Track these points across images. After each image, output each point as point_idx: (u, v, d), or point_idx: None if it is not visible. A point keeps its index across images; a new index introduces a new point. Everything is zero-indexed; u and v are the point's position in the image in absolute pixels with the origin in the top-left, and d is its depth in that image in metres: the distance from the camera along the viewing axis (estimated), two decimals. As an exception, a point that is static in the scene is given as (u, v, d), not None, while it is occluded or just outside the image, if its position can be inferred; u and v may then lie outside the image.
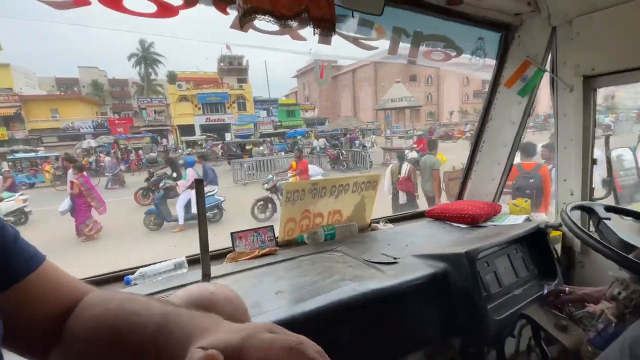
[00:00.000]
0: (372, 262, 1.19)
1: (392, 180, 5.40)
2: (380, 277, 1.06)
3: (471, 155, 1.84)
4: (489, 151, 1.75)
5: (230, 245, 1.25)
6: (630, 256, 0.80)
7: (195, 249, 0.99)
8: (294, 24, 0.87)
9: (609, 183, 1.44)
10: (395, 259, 1.21)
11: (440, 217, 1.72)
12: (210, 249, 0.97)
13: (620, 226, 1.00)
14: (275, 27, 0.97)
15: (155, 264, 1.08)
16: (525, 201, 1.63)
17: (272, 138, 25.03)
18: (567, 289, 1.10)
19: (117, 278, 1.07)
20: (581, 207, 0.97)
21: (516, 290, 1.20)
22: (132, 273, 1.06)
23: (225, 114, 28.97)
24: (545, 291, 1.18)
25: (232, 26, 0.88)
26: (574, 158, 1.45)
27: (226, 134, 27.10)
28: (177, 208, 6.17)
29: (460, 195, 1.95)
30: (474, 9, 1.37)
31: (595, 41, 1.32)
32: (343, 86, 40.67)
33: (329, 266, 1.16)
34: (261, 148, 19.46)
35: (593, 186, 1.48)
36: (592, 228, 1.51)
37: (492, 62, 1.66)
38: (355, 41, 1.25)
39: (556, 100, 1.47)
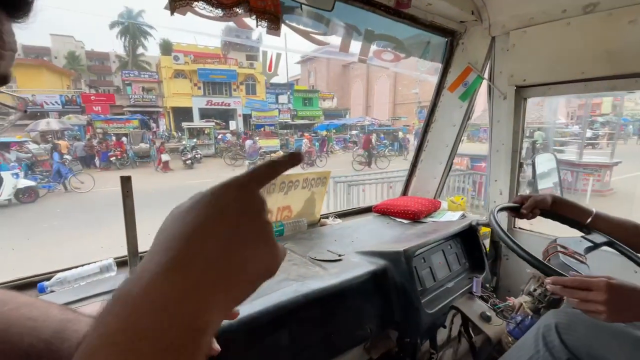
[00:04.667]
0: (317, 259, 1.20)
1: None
2: (323, 275, 1.06)
3: (416, 154, 1.93)
4: (432, 151, 1.85)
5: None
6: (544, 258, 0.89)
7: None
8: (238, 11, 0.81)
9: (533, 184, 1.59)
10: (340, 256, 1.23)
11: (386, 212, 1.79)
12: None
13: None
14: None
15: (76, 267, 0.97)
16: (462, 198, 1.75)
17: (293, 130, 21.29)
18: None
19: (29, 285, 0.94)
20: (507, 209, 1.06)
21: (449, 283, 1.29)
22: (48, 279, 0.94)
23: (231, 97, 23.21)
24: (474, 284, 1.29)
25: (166, 7, 0.80)
26: (504, 161, 1.58)
27: (231, 122, 22.27)
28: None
29: (405, 191, 2.04)
30: (423, 12, 1.41)
31: (528, 54, 1.43)
32: (355, 76, 34.81)
33: (274, 265, 1.14)
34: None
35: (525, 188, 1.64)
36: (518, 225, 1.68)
37: (439, 65, 1.73)
38: (306, 35, 1.22)
39: (492, 107, 1.59)
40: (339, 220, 1.73)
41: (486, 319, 1.15)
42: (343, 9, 1.26)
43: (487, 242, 1.55)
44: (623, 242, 0.93)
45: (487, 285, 1.38)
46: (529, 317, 0.98)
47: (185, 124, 18.12)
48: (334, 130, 20.98)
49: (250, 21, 0.96)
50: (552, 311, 0.90)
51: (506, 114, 1.54)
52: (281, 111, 23.96)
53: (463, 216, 1.68)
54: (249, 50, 26.64)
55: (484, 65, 1.58)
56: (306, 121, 24.04)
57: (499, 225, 0.92)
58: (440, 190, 1.92)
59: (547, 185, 1.64)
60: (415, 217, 1.68)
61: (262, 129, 21.38)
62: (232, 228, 0.24)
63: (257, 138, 16.86)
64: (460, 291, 1.25)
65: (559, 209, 1.04)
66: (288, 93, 25.41)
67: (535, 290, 0.97)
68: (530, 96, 1.51)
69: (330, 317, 1.02)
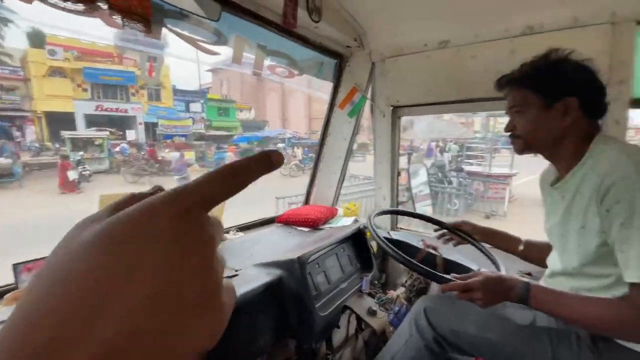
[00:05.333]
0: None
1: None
2: None
3: (315, 166, 2.04)
4: (328, 162, 1.98)
5: (13, 281, 0.95)
6: (416, 259, 1.04)
7: None
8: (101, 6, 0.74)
9: (410, 190, 1.86)
10: (236, 271, 1.20)
11: (289, 222, 1.83)
12: None
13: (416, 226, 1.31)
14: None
15: None
16: (354, 205, 1.92)
17: (210, 141, 18.87)
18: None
19: None
20: (383, 213, 1.21)
21: (342, 284, 1.39)
22: None
23: (129, 103, 19.88)
24: (364, 282, 1.42)
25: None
26: (385, 171, 1.81)
27: (128, 131, 18.95)
28: None
29: (307, 200, 2.13)
30: (312, 34, 1.52)
31: (400, 79, 1.68)
32: (270, 89, 33.28)
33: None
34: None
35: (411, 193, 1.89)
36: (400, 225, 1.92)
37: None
38: (193, 42, 1.18)
39: (374, 124, 1.80)
40: (240, 234, 1.70)
41: (372, 313, 1.27)
42: (234, 21, 1.27)
43: (374, 244, 1.73)
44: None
45: (376, 282, 1.54)
46: (404, 306, 1.13)
47: (66, 133, 14.48)
48: (256, 143, 20.07)
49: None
50: (422, 298, 1.05)
51: (386, 130, 1.77)
52: (195, 121, 21.80)
53: (356, 221, 1.84)
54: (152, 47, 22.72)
55: (367, 87, 1.79)
56: (223, 132, 22.62)
57: (374, 230, 1.04)
58: (336, 198, 2.06)
59: (420, 190, 1.94)
60: (314, 225, 1.76)
61: (172, 139, 19.01)
62: (157, 286, 0.16)
63: (167, 150, 15.03)
64: (352, 290, 1.36)
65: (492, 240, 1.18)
66: (201, 101, 23.37)
67: (406, 282, 1.12)
68: (404, 115, 1.78)
69: (225, 335, 0.98)
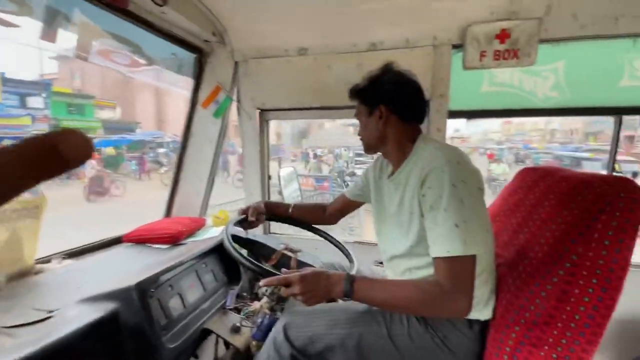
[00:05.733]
0: (5, 327, 0.83)
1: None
2: (10, 348, 0.73)
3: (177, 171, 1.80)
4: (193, 167, 1.78)
5: None
6: (271, 260, 0.99)
7: None
8: None
9: (282, 193, 1.84)
10: (50, 312, 0.91)
11: (141, 240, 1.54)
12: None
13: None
14: None
15: None
16: (224, 212, 1.78)
17: None
18: None
19: None
20: (239, 222, 1.13)
21: (204, 304, 1.24)
22: None
23: None
24: (228, 297, 1.30)
25: None
26: (255, 176, 1.74)
27: None
28: None
29: (168, 213, 1.86)
30: (160, 20, 1.32)
31: (265, 82, 1.63)
32: (142, 85, 27.33)
33: None
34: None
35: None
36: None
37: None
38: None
39: (242, 126, 1.71)
40: (69, 262, 1.33)
41: (236, 330, 1.17)
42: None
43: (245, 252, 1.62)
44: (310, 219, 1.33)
45: (245, 294, 1.44)
46: (267, 316, 1.07)
47: None
48: (125, 148, 16.70)
49: None
50: (286, 311, 1.00)
51: (254, 133, 1.70)
52: (35, 119, 15.96)
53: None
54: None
55: (232, 87, 1.68)
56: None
57: (227, 238, 0.94)
58: (205, 207, 1.87)
59: (291, 193, 1.95)
60: (174, 240, 1.53)
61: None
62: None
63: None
64: (214, 309, 1.23)
65: (271, 210, 1.32)
66: (43, 95, 17.61)
67: (267, 290, 1.06)
68: (271, 119, 1.75)
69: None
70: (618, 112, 1.40)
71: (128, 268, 1.29)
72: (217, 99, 1.66)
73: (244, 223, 1.19)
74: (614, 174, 1.54)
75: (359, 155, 11.66)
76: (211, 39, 1.56)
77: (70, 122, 18.28)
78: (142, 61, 1.40)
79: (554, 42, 1.34)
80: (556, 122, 32.17)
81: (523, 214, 0.97)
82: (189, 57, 1.65)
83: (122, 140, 16.69)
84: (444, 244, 0.77)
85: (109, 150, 15.65)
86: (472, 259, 0.77)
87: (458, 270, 0.77)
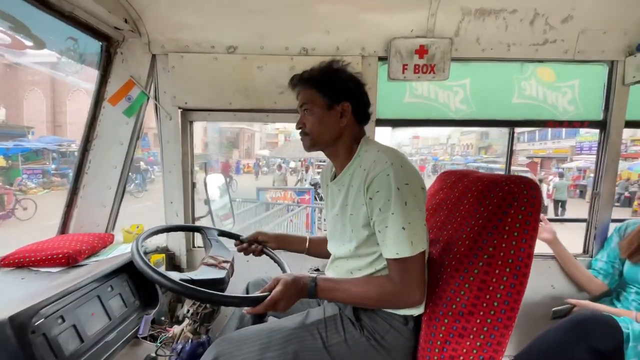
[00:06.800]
0: None
1: None
2: None
3: (75, 178, 1.51)
4: (97, 174, 1.52)
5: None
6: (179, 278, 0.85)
7: None
8: None
9: (208, 202, 1.67)
10: None
11: (23, 263, 1.23)
12: None
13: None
14: None
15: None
16: (137, 227, 1.55)
17: None
18: None
19: None
20: (155, 232, 0.99)
21: (109, 336, 1.03)
22: None
23: None
24: (142, 324, 1.11)
25: None
26: (176, 182, 1.56)
27: None
28: None
29: (63, 229, 1.54)
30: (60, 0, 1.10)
31: (187, 79, 1.48)
32: (29, 82, 22.16)
33: None
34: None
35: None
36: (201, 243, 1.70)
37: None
38: None
39: (160, 126, 1.53)
40: None
41: (152, 361, 1.00)
42: None
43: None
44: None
45: (163, 319, 1.25)
46: (189, 340, 0.94)
47: None
48: (21, 158, 12.79)
49: None
50: (216, 342, 0.88)
51: (174, 135, 1.53)
52: None
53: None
54: None
55: (148, 82, 1.49)
56: None
57: (138, 253, 0.80)
58: (113, 221, 1.60)
59: (221, 204, 1.80)
60: (69, 261, 1.26)
61: None
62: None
63: None
64: (123, 340, 1.03)
65: (283, 243, 1.21)
66: None
67: (188, 311, 0.93)
68: (195, 120, 1.60)
69: None
70: (511, 124, 1.65)
71: (1, 299, 1.01)
72: (129, 94, 1.45)
73: (240, 247, 1.17)
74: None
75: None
76: (123, 27, 1.36)
77: None
78: (27, 43, 1.14)
79: (462, 61, 1.52)
80: (454, 137, 37.46)
81: (446, 212, 1.04)
82: (92, 44, 1.42)
83: (16, 149, 12.92)
84: (394, 246, 0.81)
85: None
86: (419, 256, 0.82)
87: (408, 268, 0.82)
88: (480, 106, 1.61)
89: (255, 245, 1.18)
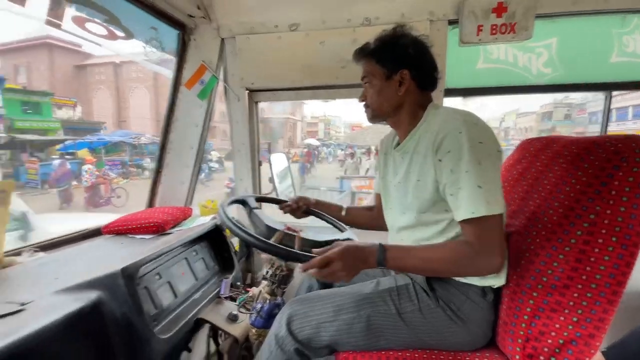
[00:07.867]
0: (-34, 323, 0.71)
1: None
2: None
3: (159, 158, 1.69)
4: (177, 153, 1.67)
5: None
6: (272, 240, 0.91)
7: None
8: None
9: (273, 180, 1.75)
10: (22, 305, 0.80)
11: (121, 231, 1.42)
12: None
13: (270, 213, 1.19)
14: None
15: None
16: (212, 201, 1.68)
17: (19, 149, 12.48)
18: None
19: None
20: (236, 201, 1.05)
21: (196, 294, 1.15)
22: None
23: None
24: (222, 286, 1.21)
25: None
26: (245, 160, 1.65)
27: None
28: None
29: (151, 203, 1.74)
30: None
31: (253, 60, 1.54)
32: (97, 82, 25.93)
33: None
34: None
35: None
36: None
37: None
38: None
39: (229, 108, 1.62)
40: (41, 254, 1.20)
41: (233, 319, 1.09)
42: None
43: (236, 240, 1.54)
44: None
45: (239, 284, 1.35)
46: (267, 301, 1.00)
47: None
48: (103, 150, 14.79)
49: None
50: (289, 302, 0.92)
51: (242, 115, 1.61)
52: None
53: (214, 218, 1.60)
54: None
55: (218, 66, 1.59)
56: (35, 136, 15.66)
57: (225, 215, 0.87)
58: (191, 197, 1.76)
59: (285, 183, 1.87)
60: (159, 230, 1.42)
61: None
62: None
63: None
64: (208, 298, 1.14)
65: (321, 207, 1.22)
66: None
67: (267, 272, 0.99)
68: (261, 100, 1.66)
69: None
70: (608, 87, 1.42)
71: (110, 257, 1.18)
72: (202, 79, 1.56)
73: (285, 206, 1.18)
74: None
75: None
76: (195, 14, 1.46)
77: (29, 121, 16.51)
78: (119, 34, 1.28)
79: (548, 17, 1.34)
80: (509, 120, 33.34)
81: (529, 181, 0.95)
82: (171, 33, 1.55)
83: (98, 142, 14.83)
84: (469, 205, 0.75)
85: (84, 153, 13.84)
86: (497, 217, 0.76)
87: (485, 229, 0.75)
88: (568, 68, 1.42)
89: (302, 205, 1.21)
